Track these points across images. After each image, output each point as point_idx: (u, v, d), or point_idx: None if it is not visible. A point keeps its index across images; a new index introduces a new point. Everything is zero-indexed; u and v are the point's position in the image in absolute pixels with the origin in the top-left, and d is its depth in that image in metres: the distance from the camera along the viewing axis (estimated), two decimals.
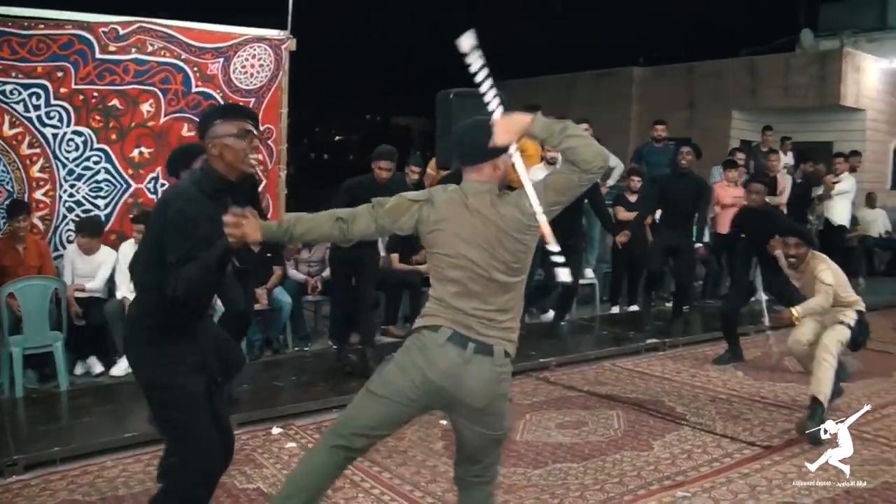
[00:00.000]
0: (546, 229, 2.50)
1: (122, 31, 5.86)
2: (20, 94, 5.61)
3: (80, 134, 5.84)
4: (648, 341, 6.95)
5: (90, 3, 6.01)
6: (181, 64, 6.13)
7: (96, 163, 5.93)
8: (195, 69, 6.19)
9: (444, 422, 4.44)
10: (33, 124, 5.69)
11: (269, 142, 6.60)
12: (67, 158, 5.83)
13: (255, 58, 6.42)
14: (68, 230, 5.88)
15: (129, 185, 6.06)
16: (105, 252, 5.76)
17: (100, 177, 5.96)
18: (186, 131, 6.07)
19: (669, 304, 7.91)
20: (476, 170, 2.59)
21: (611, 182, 8.37)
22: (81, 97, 5.81)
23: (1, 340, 5.22)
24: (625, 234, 7.11)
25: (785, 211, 8.40)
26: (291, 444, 4.37)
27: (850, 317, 4.92)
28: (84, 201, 5.93)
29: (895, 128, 15.32)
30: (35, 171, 5.76)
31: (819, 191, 9.71)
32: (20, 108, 5.63)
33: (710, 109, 15.68)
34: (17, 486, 3.74)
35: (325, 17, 14.38)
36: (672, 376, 5.97)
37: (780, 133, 11.33)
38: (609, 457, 4.24)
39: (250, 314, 5.25)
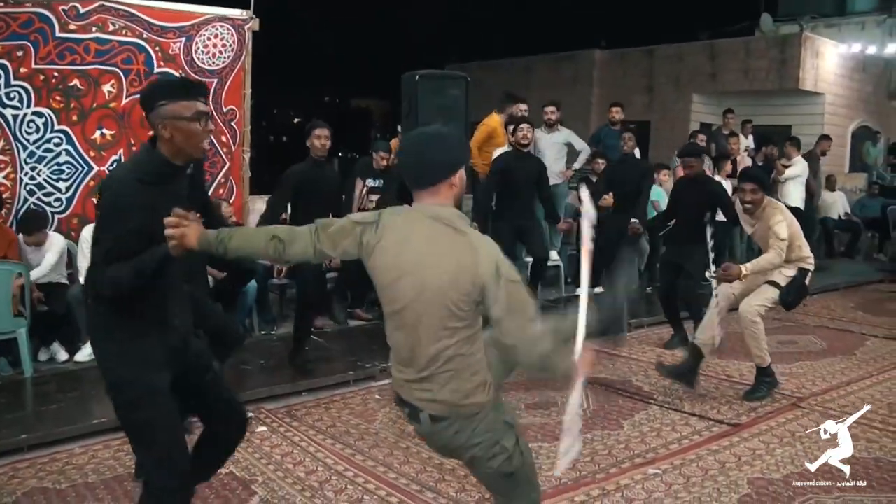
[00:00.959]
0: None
1: (82, 10, 5.74)
2: None
3: (40, 115, 5.72)
4: None
5: None
6: (143, 43, 6.03)
7: (57, 145, 5.82)
8: (157, 49, 6.08)
9: None
10: None
11: (233, 123, 6.53)
12: (28, 140, 5.71)
13: (218, 37, 6.33)
14: None
15: (90, 168, 5.95)
16: (53, 239, 5.56)
17: (61, 159, 5.85)
18: None
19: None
20: (432, 192, 2.30)
21: (577, 165, 8.41)
22: (42, 77, 5.68)
23: None
24: (605, 199, 7.23)
25: None
26: (262, 428, 4.33)
27: (785, 274, 4.84)
28: (45, 184, 5.81)
29: (853, 112, 15.63)
30: None
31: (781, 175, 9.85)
32: None
33: (670, 93, 15.88)
34: None
35: None
36: (638, 356, 6.04)
37: (741, 116, 11.47)
38: None
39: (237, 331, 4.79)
